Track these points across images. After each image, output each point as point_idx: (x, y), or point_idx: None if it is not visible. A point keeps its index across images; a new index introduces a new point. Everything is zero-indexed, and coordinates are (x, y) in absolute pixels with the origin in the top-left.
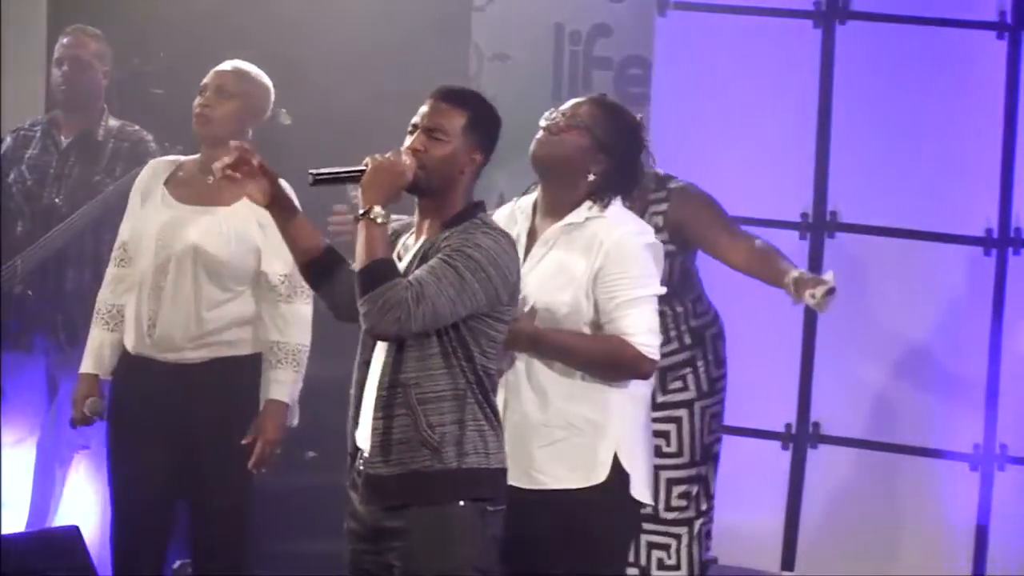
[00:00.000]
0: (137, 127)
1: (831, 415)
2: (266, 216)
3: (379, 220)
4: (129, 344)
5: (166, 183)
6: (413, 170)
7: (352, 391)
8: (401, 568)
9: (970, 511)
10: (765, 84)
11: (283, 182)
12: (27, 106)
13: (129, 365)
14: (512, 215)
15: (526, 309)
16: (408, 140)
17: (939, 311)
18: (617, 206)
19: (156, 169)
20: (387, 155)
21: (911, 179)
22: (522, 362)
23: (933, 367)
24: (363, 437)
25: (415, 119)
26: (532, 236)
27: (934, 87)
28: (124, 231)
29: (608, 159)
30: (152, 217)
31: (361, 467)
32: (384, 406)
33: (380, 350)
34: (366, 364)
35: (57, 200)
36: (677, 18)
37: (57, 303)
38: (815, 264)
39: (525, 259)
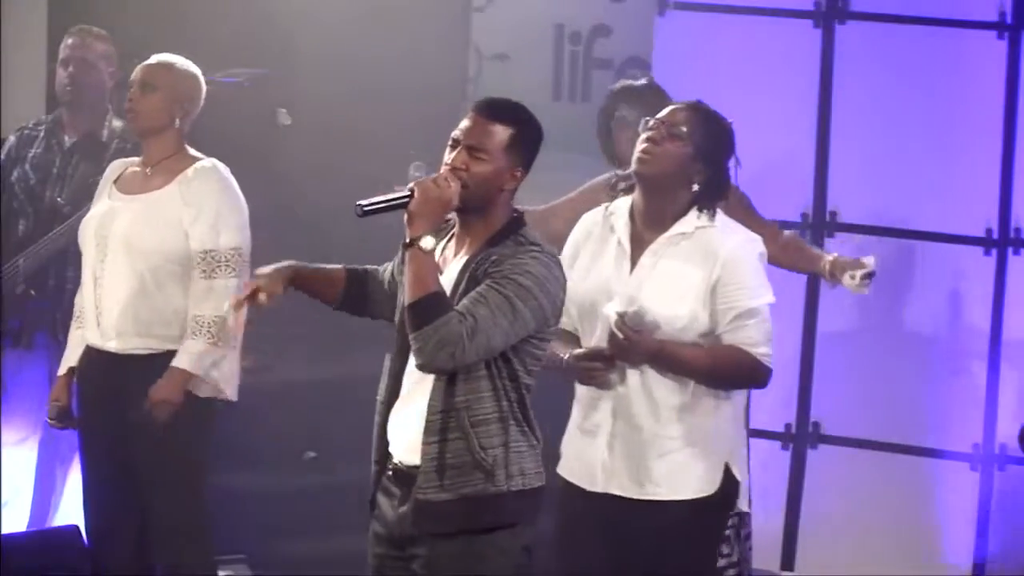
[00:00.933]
0: None
1: (831, 415)
2: (192, 196)
3: (428, 249)
4: (87, 337)
5: (116, 180)
6: (458, 193)
7: (381, 397)
8: None
9: (970, 511)
10: (765, 84)
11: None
12: (27, 106)
13: (87, 357)
14: (605, 221)
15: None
16: (448, 155)
17: (939, 311)
18: (722, 215)
19: (112, 168)
20: (431, 178)
21: (911, 179)
22: (634, 374)
23: (933, 367)
24: (399, 448)
25: (455, 133)
26: (636, 244)
27: (934, 87)
28: (80, 230)
29: (708, 168)
30: (94, 211)
31: (391, 472)
32: (438, 430)
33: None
34: (399, 374)
35: (60, 200)
36: (677, 18)
37: (58, 302)
38: None
39: (632, 268)
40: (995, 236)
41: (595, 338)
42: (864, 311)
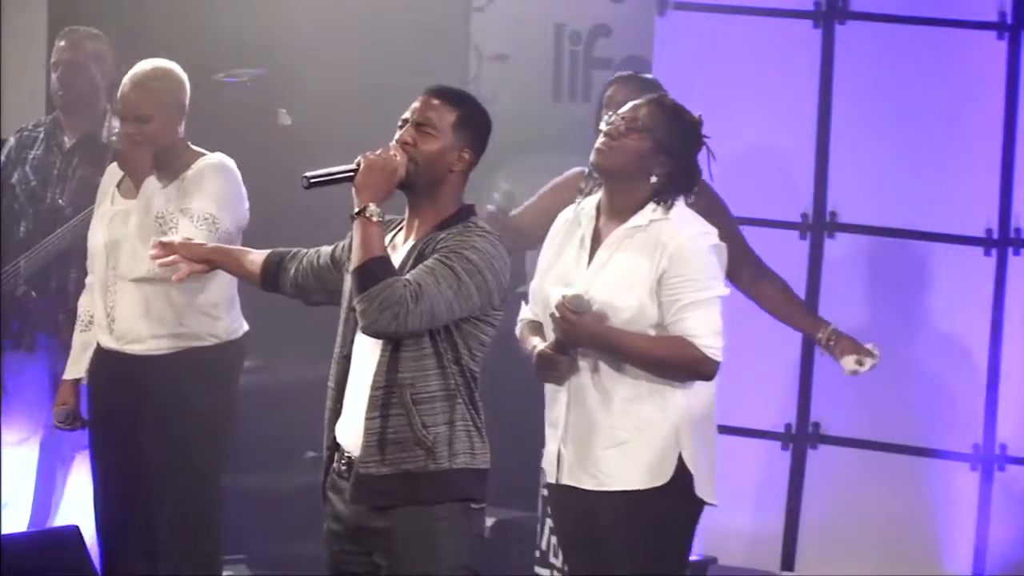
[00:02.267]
0: None
1: (831, 415)
2: (188, 186)
3: (374, 218)
4: (101, 340)
5: (119, 184)
6: (405, 165)
7: (331, 384)
8: (387, 569)
9: (970, 511)
10: (765, 84)
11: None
12: (28, 107)
13: (99, 359)
14: (576, 217)
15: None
16: (398, 134)
17: (939, 311)
18: (680, 207)
19: (111, 171)
20: (378, 152)
21: (911, 179)
22: (587, 364)
23: (933, 367)
24: (347, 434)
25: (405, 114)
26: (596, 238)
27: (934, 87)
28: (89, 237)
29: (670, 160)
30: (101, 215)
31: (343, 466)
32: (379, 406)
33: (368, 348)
34: (346, 359)
35: (60, 201)
36: (677, 18)
37: (60, 303)
38: (815, 264)
39: (590, 262)
40: (995, 236)
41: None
42: (864, 311)
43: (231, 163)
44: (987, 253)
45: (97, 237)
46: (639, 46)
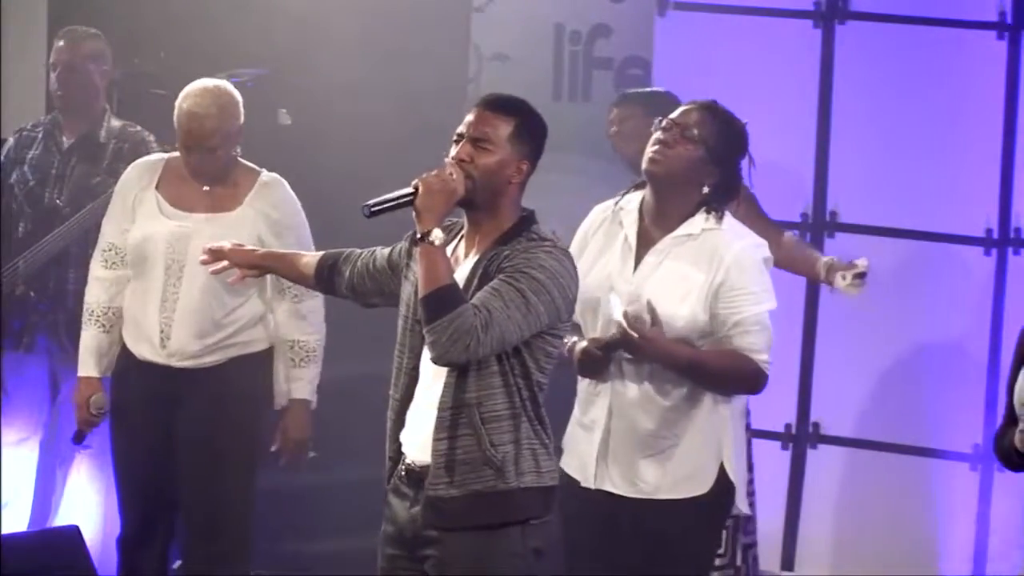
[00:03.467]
0: (139, 128)
1: (831, 415)
2: (275, 215)
3: (438, 243)
4: (140, 352)
5: (157, 187)
6: (463, 184)
7: (396, 395)
8: None
9: (970, 511)
10: (765, 84)
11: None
12: (28, 107)
13: (133, 368)
14: (615, 216)
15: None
16: (453, 150)
17: (939, 311)
18: (730, 218)
19: (140, 171)
20: (434, 173)
21: (911, 179)
22: (632, 371)
23: (933, 367)
24: (414, 447)
25: (460, 128)
26: (643, 242)
27: (934, 87)
28: (111, 233)
29: (720, 170)
30: (155, 227)
31: (403, 473)
32: (448, 426)
33: (435, 366)
34: (414, 371)
35: (59, 201)
36: (677, 18)
37: (59, 303)
38: None
39: (637, 266)
40: (995, 236)
41: (596, 332)
42: (864, 311)
43: (284, 182)
44: (987, 253)
45: (155, 250)
46: (639, 46)
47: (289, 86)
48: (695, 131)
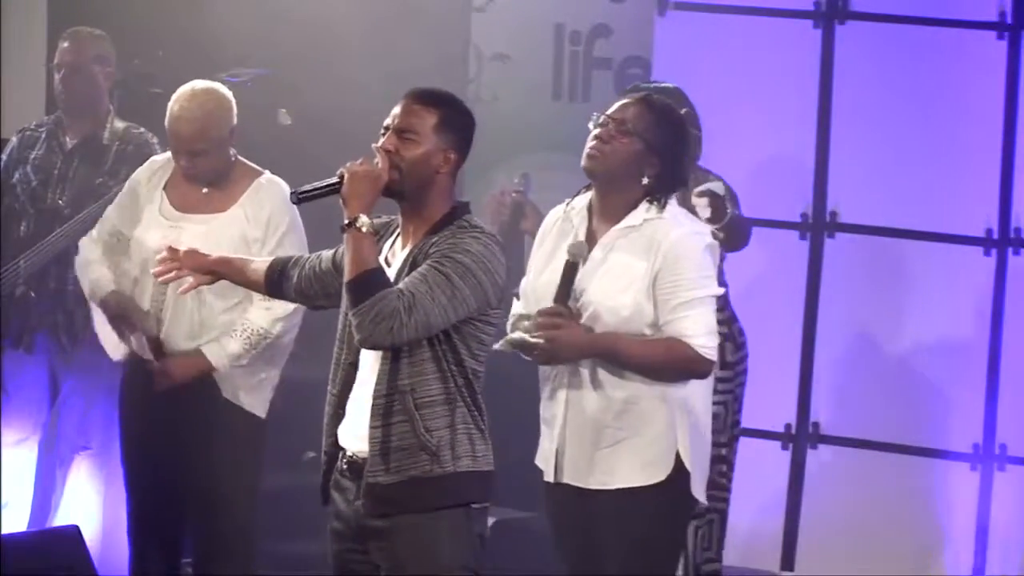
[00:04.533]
0: (142, 129)
1: (831, 415)
2: (256, 213)
3: (364, 229)
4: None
5: (165, 187)
6: (387, 172)
7: (333, 390)
8: (386, 569)
9: (970, 511)
10: (765, 84)
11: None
12: (28, 107)
13: (137, 367)
14: (567, 217)
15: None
16: (380, 141)
17: (939, 311)
18: (673, 206)
19: (154, 168)
20: (359, 162)
21: (911, 179)
22: (585, 365)
23: (933, 367)
24: (351, 437)
25: (387, 120)
26: (590, 239)
27: (934, 87)
28: (117, 217)
29: (660, 161)
30: (150, 228)
31: (345, 466)
32: (382, 413)
33: (371, 356)
34: (352, 366)
35: (61, 201)
36: (677, 18)
37: (59, 304)
38: (815, 264)
39: (585, 262)
40: (995, 236)
41: None
42: (864, 311)
43: (283, 184)
44: (987, 253)
45: (147, 245)
46: (639, 46)
47: (289, 86)
48: (630, 125)
